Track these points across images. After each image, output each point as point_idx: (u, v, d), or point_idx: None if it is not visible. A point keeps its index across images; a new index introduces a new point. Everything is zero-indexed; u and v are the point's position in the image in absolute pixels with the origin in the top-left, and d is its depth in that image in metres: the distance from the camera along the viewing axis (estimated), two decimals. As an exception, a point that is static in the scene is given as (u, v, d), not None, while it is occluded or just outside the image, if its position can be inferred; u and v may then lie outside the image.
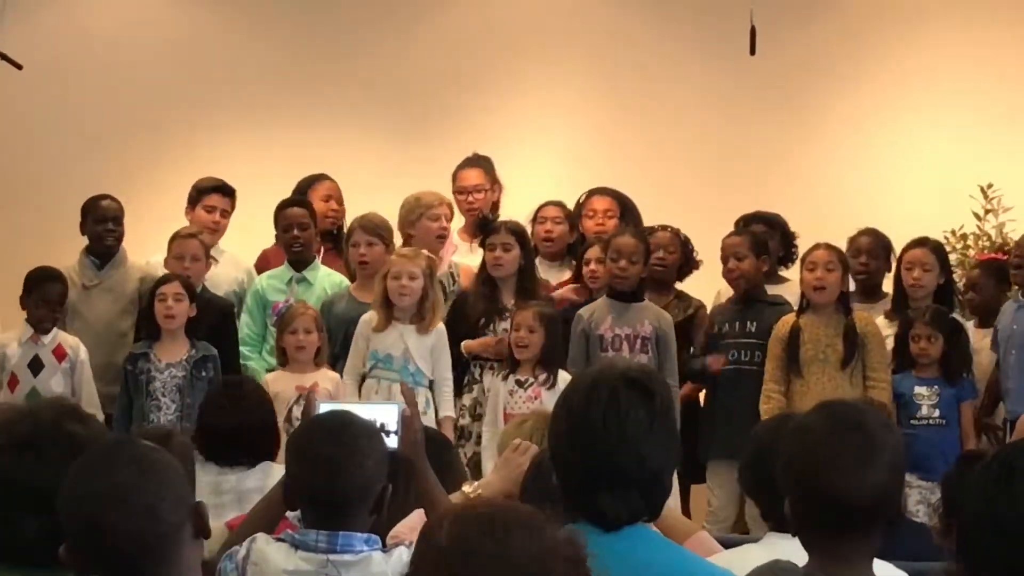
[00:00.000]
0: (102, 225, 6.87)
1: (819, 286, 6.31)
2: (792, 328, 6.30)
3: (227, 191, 7.21)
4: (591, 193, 7.18)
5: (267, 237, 7.20)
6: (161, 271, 6.79)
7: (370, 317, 6.26)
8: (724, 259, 6.55)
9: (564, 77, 8.68)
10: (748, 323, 6.46)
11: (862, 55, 8.43)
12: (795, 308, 6.58)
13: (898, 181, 8.25)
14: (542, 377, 6.14)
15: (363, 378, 6.24)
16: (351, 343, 6.41)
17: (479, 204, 7.19)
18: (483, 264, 6.61)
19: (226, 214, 7.20)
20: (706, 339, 6.57)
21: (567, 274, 7.05)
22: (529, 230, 6.87)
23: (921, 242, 6.70)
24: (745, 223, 6.92)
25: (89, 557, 2.27)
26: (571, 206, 7.18)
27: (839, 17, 8.50)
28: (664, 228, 6.92)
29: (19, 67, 7.65)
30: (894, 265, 6.77)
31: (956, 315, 6.57)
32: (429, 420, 5.98)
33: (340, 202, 7.39)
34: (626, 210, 7.09)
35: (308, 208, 6.98)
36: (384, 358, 6.18)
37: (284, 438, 4.99)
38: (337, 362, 6.44)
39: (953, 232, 7.53)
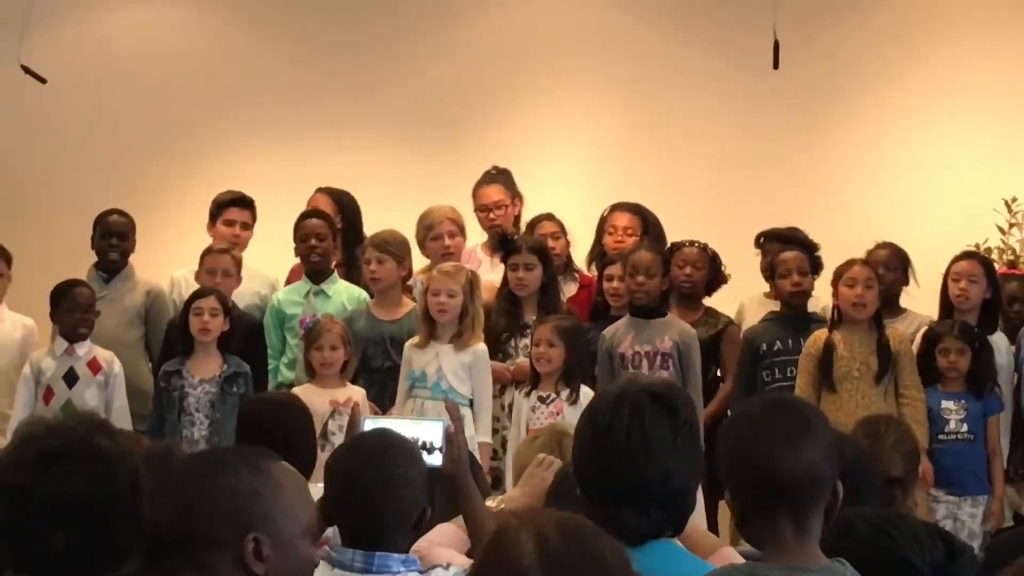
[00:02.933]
0: (107, 240, 6.92)
1: (859, 303, 6.21)
2: (825, 344, 6.23)
3: (246, 203, 7.16)
4: (613, 208, 7.13)
5: (286, 251, 7.13)
6: (184, 285, 6.79)
7: (414, 339, 6.24)
8: (785, 273, 6.48)
9: (585, 90, 8.68)
10: (801, 340, 6.33)
11: (885, 69, 8.41)
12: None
13: (922, 195, 8.21)
14: (565, 393, 6.10)
15: None
16: (370, 361, 6.42)
17: (501, 220, 7.13)
18: (504, 280, 6.58)
19: (247, 227, 7.16)
20: (751, 358, 6.43)
21: (572, 288, 7.00)
22: None
23: (969, 254, 6.66)
24: (766, 240, 6.85)
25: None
26: (592, 218, 7.15)
27: (862, 31, 8.47)
28: (692, 244, 6.77)
29: (43, 81, 7.69)
30: (910, 279, 6.71)
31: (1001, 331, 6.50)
32: (467, 440, 5.97)
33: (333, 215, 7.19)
34: (649, 226, 7.01)
35: (327, 220, 6.96)
36: (419, 376, 6.15)
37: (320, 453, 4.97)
38: (357, 379, 6.41)
39: (977, 246, 7.47)
